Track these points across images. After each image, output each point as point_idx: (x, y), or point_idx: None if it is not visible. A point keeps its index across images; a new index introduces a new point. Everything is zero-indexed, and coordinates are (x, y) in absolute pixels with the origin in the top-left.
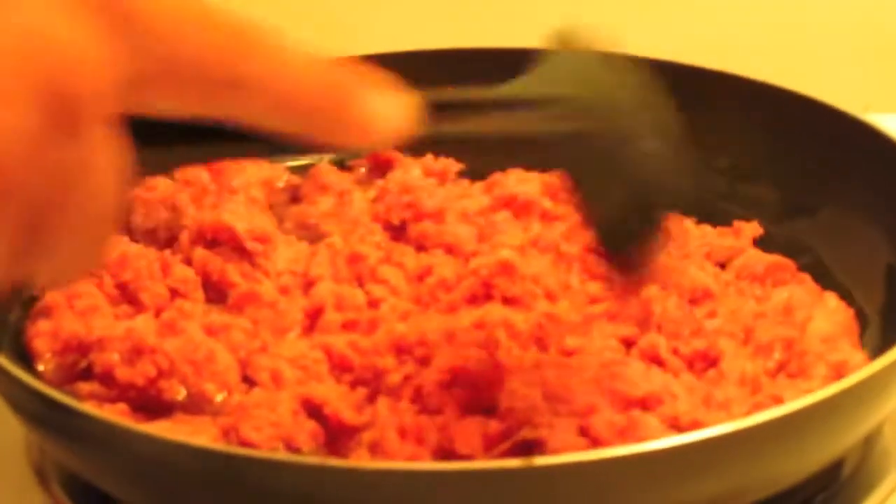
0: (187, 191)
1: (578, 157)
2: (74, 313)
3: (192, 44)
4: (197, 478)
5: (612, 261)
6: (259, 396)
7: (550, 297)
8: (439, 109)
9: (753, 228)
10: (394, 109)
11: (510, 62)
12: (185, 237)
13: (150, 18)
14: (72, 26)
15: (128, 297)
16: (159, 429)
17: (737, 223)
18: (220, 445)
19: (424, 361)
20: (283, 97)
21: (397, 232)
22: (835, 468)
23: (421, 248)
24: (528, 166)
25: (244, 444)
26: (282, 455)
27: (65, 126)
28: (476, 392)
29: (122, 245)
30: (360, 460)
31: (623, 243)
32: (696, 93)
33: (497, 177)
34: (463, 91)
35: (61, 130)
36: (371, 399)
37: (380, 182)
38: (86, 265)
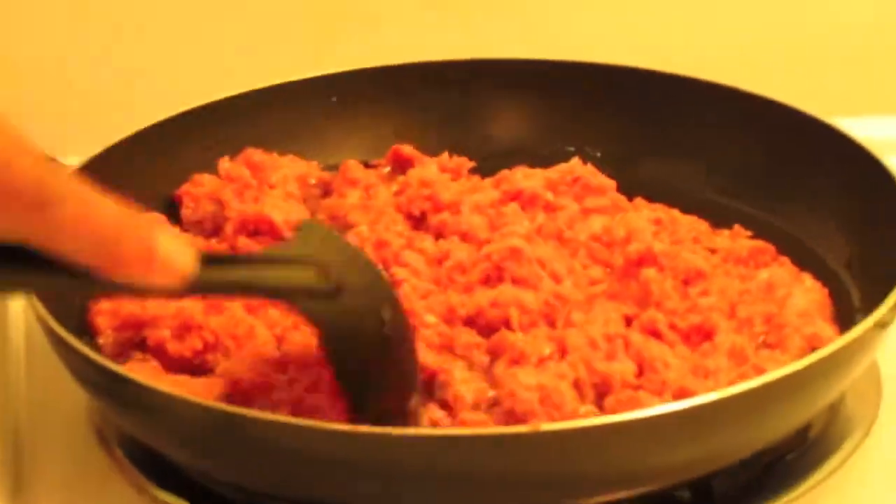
0: (231, 186)
1: (328, 312)
2: None
3: (6, 164)
4: (228, 436)
5: (352, 403)
6: None
7: (555, 278)
8: (211, 261)
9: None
10: (179, 253)
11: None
12: (229, 227)
13: None
14: None
15: None
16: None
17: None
18: (245, 409)
19: None
20: (83, 225)
21: (417, 221)
22: (803, 431)
23: (439, 235)
24: (532, 164)
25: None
26: (302, 421)
27: None
28: None
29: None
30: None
31: (363, 389)
32: (677, 99)
33: (505, 173)
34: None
35: None
36: None
37: (401, 177)
38: None
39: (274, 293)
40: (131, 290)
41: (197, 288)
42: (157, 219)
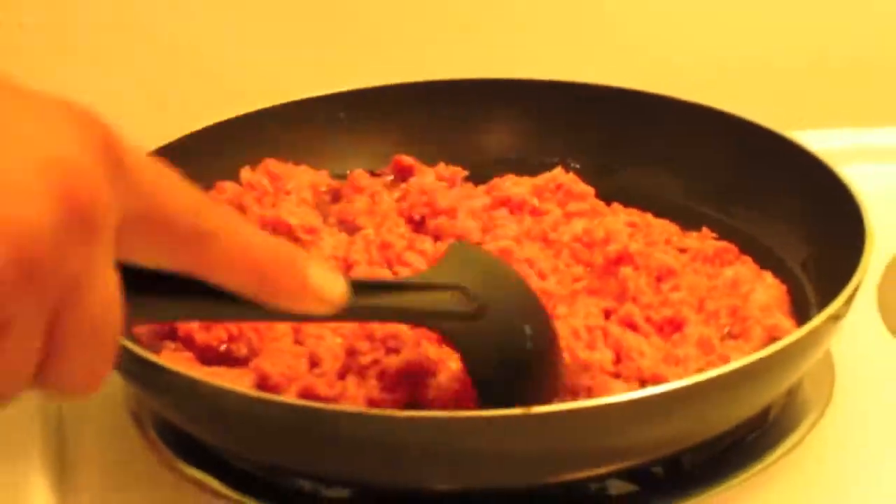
0: (251, 193)
1: (471, 334)
2: None
3: (166, 198)
4: (248, 419)
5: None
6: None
7: (541, 275)
8: (360, 289)
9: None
10: (331, 282)
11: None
12: None
13: (137, 169)
14: (90, 156)
15: None
16: (222, 378)
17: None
18: (260, 393)
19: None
20: (239, 257)
21: (418, 225)
22: (764, 413)
23: (437, 237)
24: (519, 173)
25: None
26: (307, 403)
27: (79, 232)
28: None
29: None
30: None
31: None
32: (650, 114)
33: (496, 181)
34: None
35: (75, 235)
36: None
37: (403, 185)
38: (96, 375)
39: (418, 318)
40: (288, 317)
41: (347, 314)
42: (305, 252)
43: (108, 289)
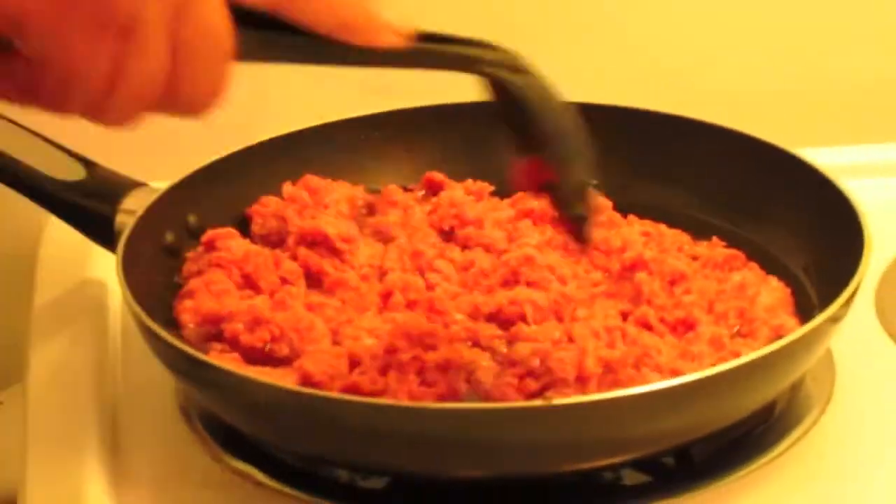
0: (292, 206)
1: (520, 83)
2: (211, 294)
3: None
4: (290, 413)
5: (564, 220)
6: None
7: (562, 280)
8: (425, 38)
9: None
10: (395, 24)
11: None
12: (291, 240)
13: None
14: None
15: (249, 283)
16: (268, 377)
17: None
18: (302, 388)
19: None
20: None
21: (447, 235)
22: (769, 408)
23: (465, 247)
24: None
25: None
26: (346, 396)
27: None
28: None
29: (245, 246)
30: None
31: (572, 206)
32: (662, 133)
33: (519, 195)
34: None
35: None
36: None
37: (433, 199)
38: (214, 89)
39: (480, 64)
40: (367, 55)
41: (414, 55)
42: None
43: (217, 5)
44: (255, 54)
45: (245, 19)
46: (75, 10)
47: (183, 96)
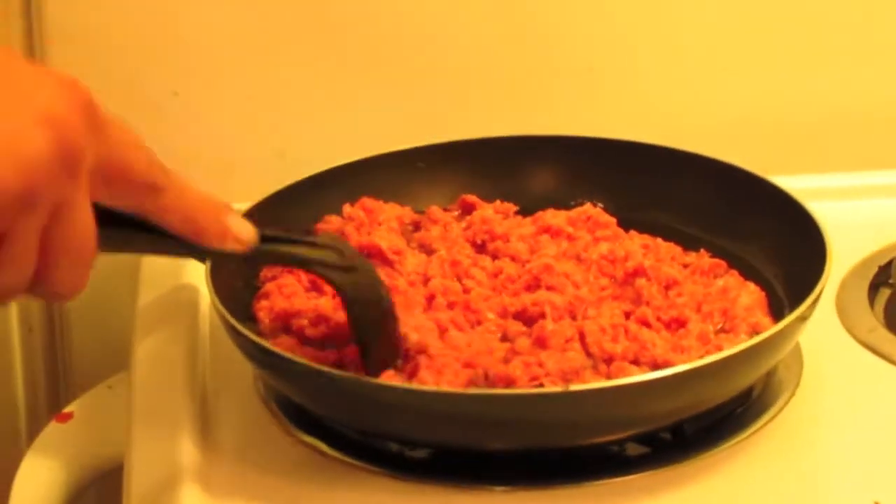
0: (351, 223)
1: (347, 282)
2: (283, 296)
3: (128, 153)
4: (343, 393)
5: (363, 355)
6: None
7: (575, 285)
8: (265, 239)
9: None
10: (245, 229)
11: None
12: None
13: (108, 127)
14: (75, 112)
15: (315, 287)
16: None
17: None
18: (357, 375)
19: None
20: (179, 206)
21: (480, 247)
22: (748, 391)
23: (495, 257)
24: (557, 208)
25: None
26: (392, 383)
27: (67, 168)
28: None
29: None
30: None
31: (371, 342)
32: (658, 162)
33: (539, 214)
34: (283, 230)
35: (64, 170)
36: None
37: (468, 217)
38: (77, 284)
39: (308, 264)
40: (213, 253)
41: (256, 255)
42: (227, 204)
43: (86, 213)
44: (116, 247)
45: (106, 217)
46: None
47: (48, 288)
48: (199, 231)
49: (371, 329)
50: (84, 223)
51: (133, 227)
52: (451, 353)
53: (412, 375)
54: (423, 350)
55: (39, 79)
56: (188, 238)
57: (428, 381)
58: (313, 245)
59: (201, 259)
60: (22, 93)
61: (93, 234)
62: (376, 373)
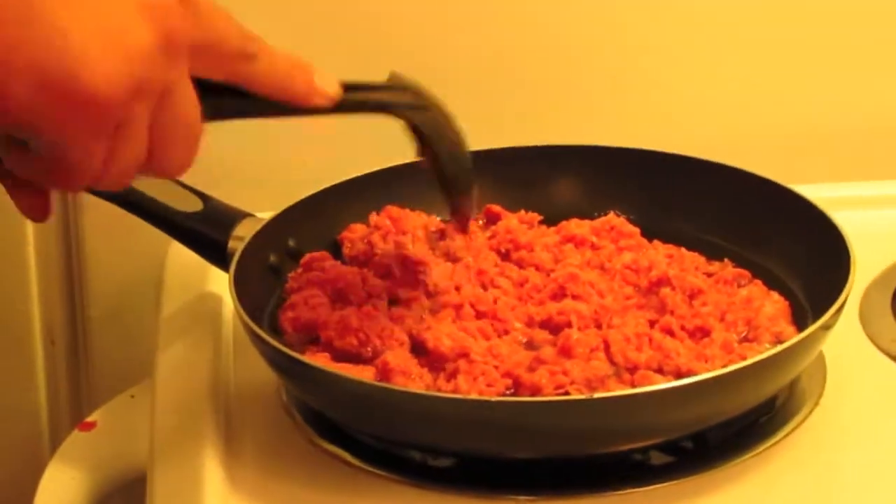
0: (377, 232)
1: (425, 120)
2: (308, 307)
3: (221, 28)
4: (369, 402)
5: (450, 203)
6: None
7: (600, 294)
8: (348, 88)
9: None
10: (330, 82)
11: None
12: (376, 260)
13: (202, 8)
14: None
15: (341, 297)
16: (354, 373)
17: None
18: (373, 381)
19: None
20: (270, 70)
21: (504, 257)
22: (771, 400)
23: (520, 266)
24: (581, 218)
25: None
26: (407, 389)
27: (169, 53)
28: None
29: (337, 266)
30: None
31: (456, 190)
32: (681, 172)
33: (563, 223)
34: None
35: (168, 56)
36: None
37: (493, 227)
38: (188, 159)
39: (389, 107)
40: (304, 110)
41: (341, 106)
42: (310, 63)
43: (189, 92)
44: (217, 115)
45: (206, 87)
46: (79, 120)
47: (163, 165)
48: (291, 93)
49: (449, 167)
50: (189, 102)
51: (227, 94)
52: (492, 360)
53: (450, 378)
54: (464, 353)
55: None
56: (280, 99)
57: (464, 388)
58: (390, 89)
59: (291, 115)
60: None
61: (197, 111)
62: (464, 225)
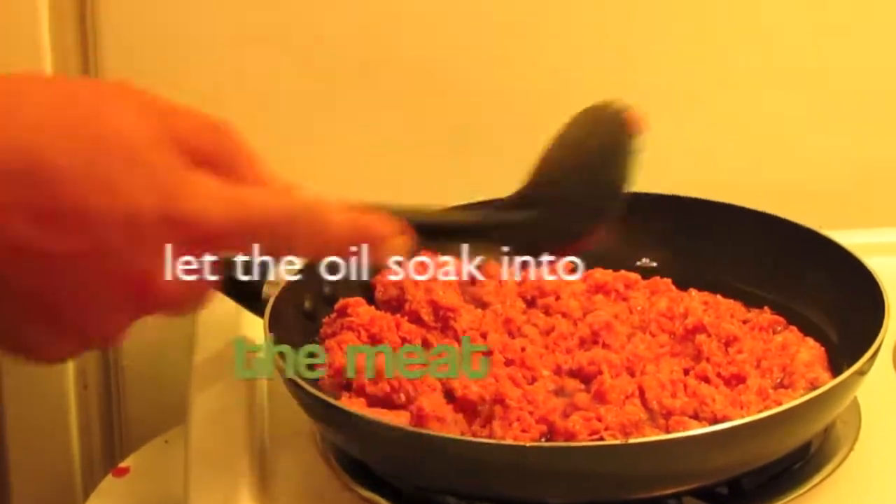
0: (408, 278)
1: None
2: (342, 352)
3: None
4: (403, 447)
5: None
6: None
7: (633, 343)
8: (423, 233)
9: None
10: (400, 240)
11: None
12: (408, 305)
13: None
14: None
15: (375, 342)
16: (390, 419)
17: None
18: (409, 426)
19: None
20: (324, 242)
21: (531, 304)
22: (806, 446)
23: (547, 313)
24: (606, 268)
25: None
26: (444, 434)
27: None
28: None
29: (371, 311)
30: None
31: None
32: (713, 219)
33: (590, 272)
34: (442, 215)
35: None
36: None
37: (521, 273)
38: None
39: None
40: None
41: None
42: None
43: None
44: None
45: None
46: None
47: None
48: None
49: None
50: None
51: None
52: (526, 406)
53: (485, 424)
54: (500, 399)
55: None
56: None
57: (499, 434)
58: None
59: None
60: None
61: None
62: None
